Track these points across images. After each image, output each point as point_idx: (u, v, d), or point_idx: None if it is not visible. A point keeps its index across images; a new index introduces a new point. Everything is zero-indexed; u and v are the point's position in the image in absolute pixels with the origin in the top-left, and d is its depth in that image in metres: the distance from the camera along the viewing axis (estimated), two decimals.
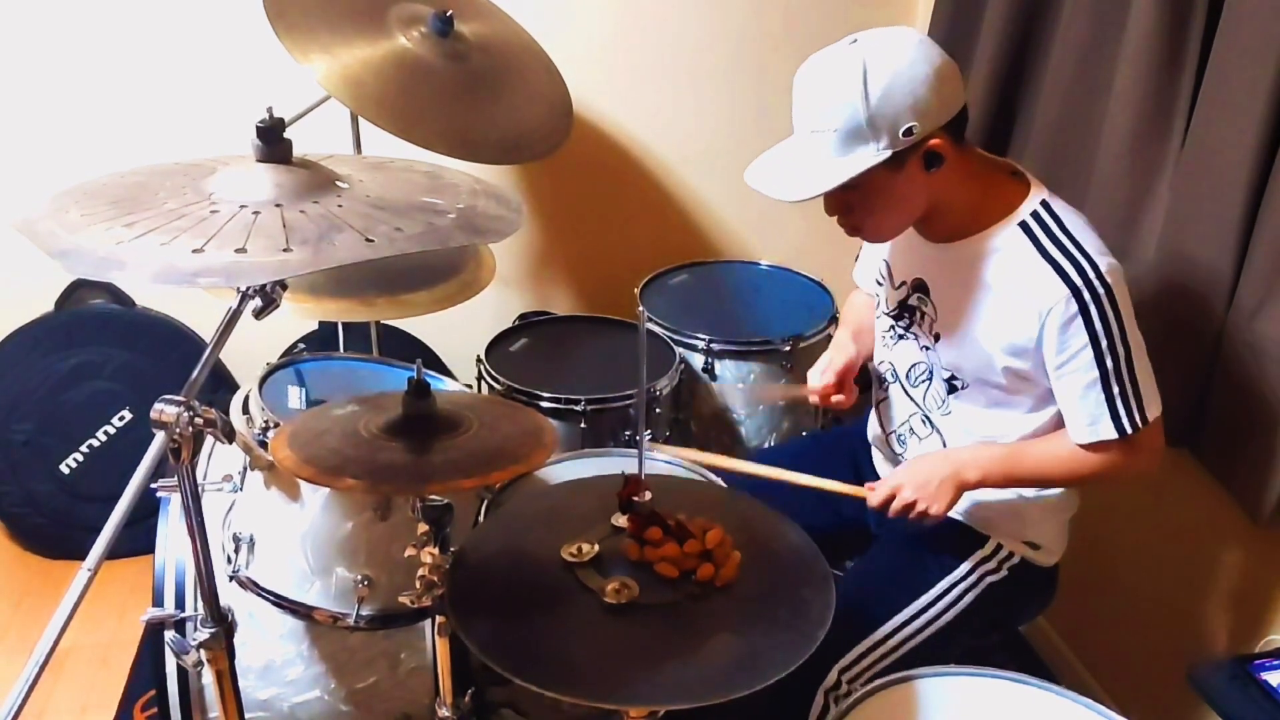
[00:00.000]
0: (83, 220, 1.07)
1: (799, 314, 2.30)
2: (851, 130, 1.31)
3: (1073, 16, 1.94)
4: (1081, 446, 1.43)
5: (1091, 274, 1.35)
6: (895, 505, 1.48)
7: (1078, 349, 1.37)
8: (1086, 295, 1.34)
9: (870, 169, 1.32)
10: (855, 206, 1.42)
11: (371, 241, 1.06)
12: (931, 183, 1.38)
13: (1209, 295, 1.63)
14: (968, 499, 1.54)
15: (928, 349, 1.54)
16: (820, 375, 1.65)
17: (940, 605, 1.55)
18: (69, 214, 1.09)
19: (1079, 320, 1.35)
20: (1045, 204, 1.41)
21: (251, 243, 1.03)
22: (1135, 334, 1.39)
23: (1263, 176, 1.53)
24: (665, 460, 1.82)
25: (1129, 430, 1.39)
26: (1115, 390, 1.38)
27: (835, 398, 1.64)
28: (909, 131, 1.31)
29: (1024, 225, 1.40)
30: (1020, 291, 1.39)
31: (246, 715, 1.36)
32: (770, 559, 1.32)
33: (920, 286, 1.53)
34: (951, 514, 1.58)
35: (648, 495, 1.36)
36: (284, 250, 1.03)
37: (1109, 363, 1.37)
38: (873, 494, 1.51)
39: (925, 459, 1.54)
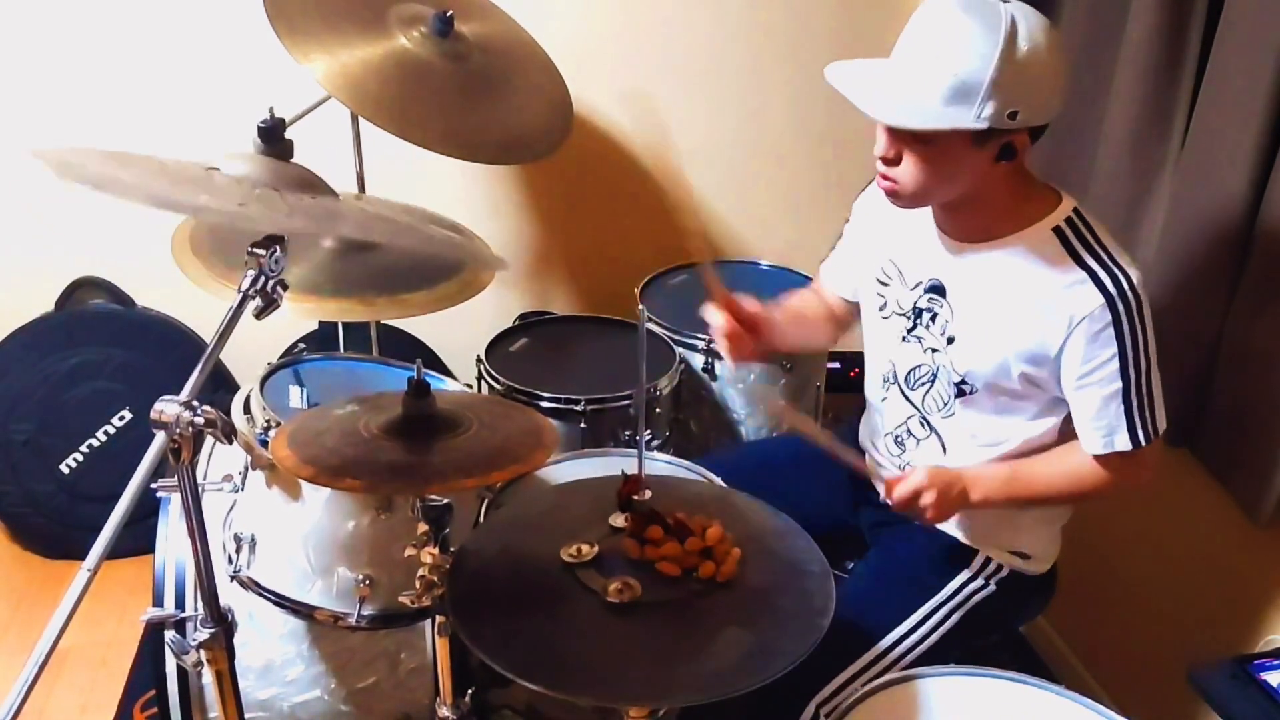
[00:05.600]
0: (80, 154, 1.05)
1: None
2: (969, 83, 1.25)
3: (1073, 16, 1.95)
4: (1093, 458, 1.43)
5: (1125, 284, 1.34)
6: (922, 501, 1.43)
7: (1105, 359, 1.36)
8: (1120, 306, 1.33)
9: (957, 131, 1.28)
10: (910, 158, 1.35)
11: (368, 228, 1.06)
12: (989, 173, 1.35)
13: (1209, 295, 1.63)
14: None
15: (934, 351, 1.52)
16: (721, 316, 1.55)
17: (923, 630, 1.54)
18: (66, 148, 1.08)
19: (1110, 330, 1.34)
20: (1078, 212, 1.40)
21: (254, 205, 1.02)
22: (1154, 347, 1.38)
23: (1263, 176, 1.53)
24: (665, 460, 1.82)
25: (1144, 442, 1.39)
26: (1135, 403, 1.37)
27: (727, 333, 1.53)
28: (1013, 115, 1.27)
29: (1058, 230, 1.39)
30: (1051, 296, 1.37)
31: (246, 715, 1.37)
32: (769, 553, 1.32)
33: (936, 288, 1.50)
34: (941, 526, 1.57)
35: (647, 494, 1.36)
36: (287, 215, 1.03)
37: (1133, 375, 1.36)
38: (897, 488, 1.44)
39: (946, 470, 1.49)
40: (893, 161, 1.38)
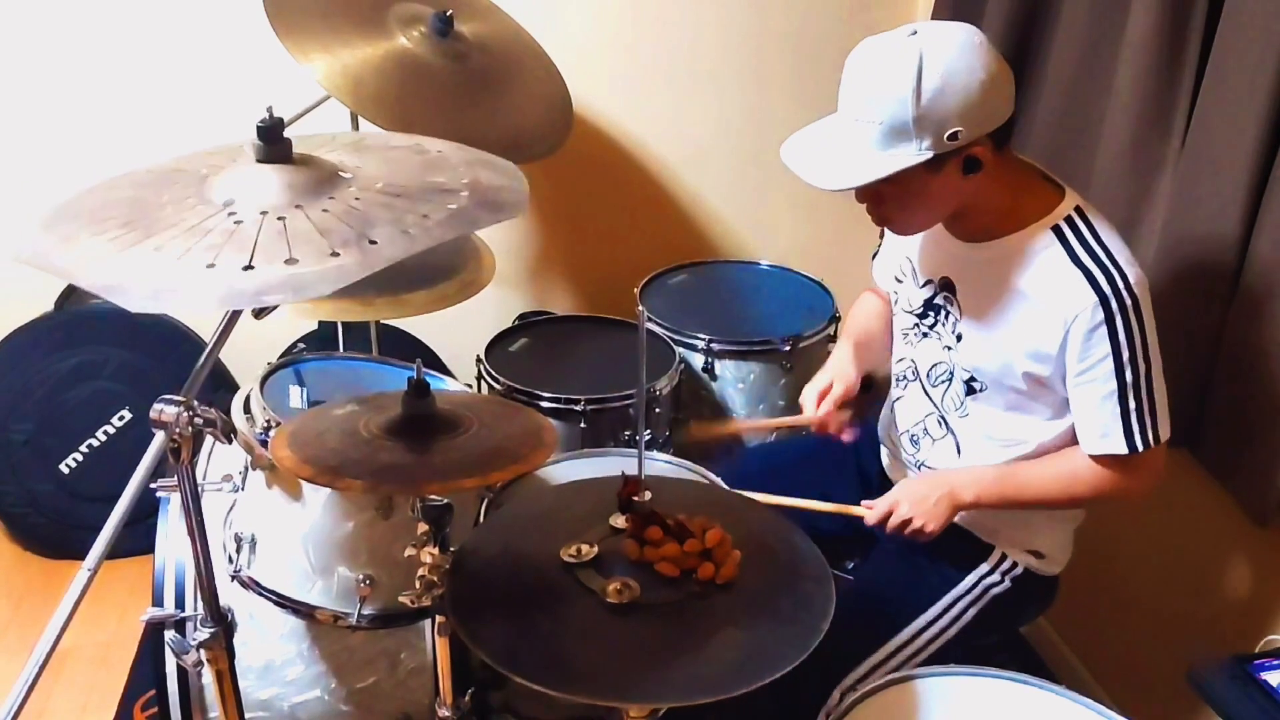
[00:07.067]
0: (103, 245, 1.01)
1: (799, 314, 2.30)
2: (896, 126, 1.29)
3: (1073, 16, 1.95)
4: (1090, 459, 1.43)
5: (1120, 284, 1.34)
6: (892, 522, 1.49)
7: (1099, 358, 1.36)
8: (1114, 304, 1.33)
9: (908, 168, 1.30)
10: (887, 199, 1.40)
11: (409, 234, 1.02)
12: (967, 185, 1.36)
13: (1209, 295, 1.63)
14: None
15: (949, 349, 1.53)
16: (817, 402, 1.64)
17: (944, 621, 1.55)
18: (81, 239, 1.02)
19: (1103, 329, 1.34)
20: (1079, 210, 1.40)
21: (297, 251, 0.98)
22: (1156, 350, 1.38)
23: (1263, 176, 1.53)
24: (665, 460, 1.82)
25: (1139, 447, 1.39)
26: (1131, 405, 1.37)
27: (832, 429, 1.64)
28: (954, 136, 1.29)
29: (1057, 229, 1.39)
30: (1047, 296, 1.38)
31: (246, 715, 1.36)
32: (769, 555, 1.32)
33: (947, 285, 1.52)
34: (955, 521, 1.58)
35: (647, 495, 1.36)
36: (332, 255, 0.98)
37: (1129, 375, 1.36)
38: (870, 512, 1.52)
39: (922, 478, 1.56)
40: (874, 204, 1.42)
